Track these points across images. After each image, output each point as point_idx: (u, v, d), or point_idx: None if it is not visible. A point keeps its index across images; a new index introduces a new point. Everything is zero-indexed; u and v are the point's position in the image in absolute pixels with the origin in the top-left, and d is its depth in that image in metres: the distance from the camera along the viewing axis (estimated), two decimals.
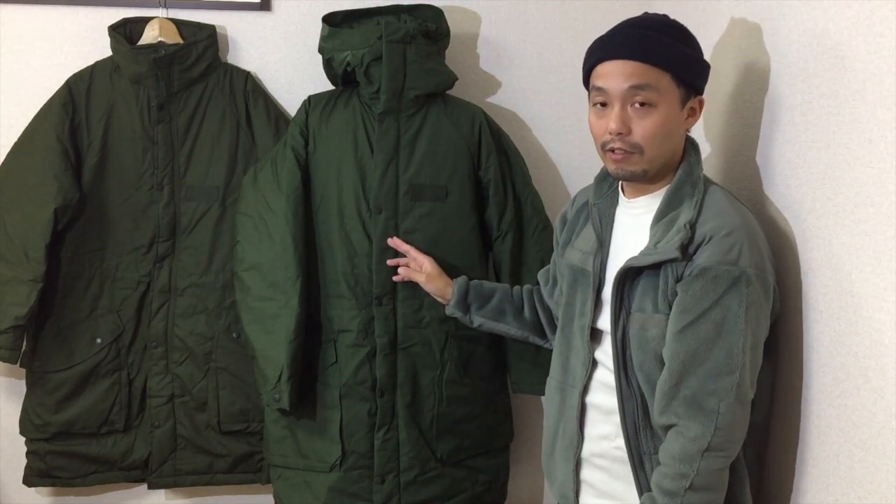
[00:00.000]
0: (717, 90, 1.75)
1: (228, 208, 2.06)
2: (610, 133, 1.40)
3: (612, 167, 1.45)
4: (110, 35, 2.03)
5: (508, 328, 1.86)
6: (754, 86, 1.60)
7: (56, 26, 2.08)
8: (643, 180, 1.45)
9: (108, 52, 2.04)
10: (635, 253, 1.42)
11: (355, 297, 1.93)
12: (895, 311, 1.17)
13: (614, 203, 1.55)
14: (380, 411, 1.93)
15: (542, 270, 1.84)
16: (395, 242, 1.92)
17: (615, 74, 1.39)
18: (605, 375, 1.49)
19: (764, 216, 1.55)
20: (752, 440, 1.43)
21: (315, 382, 1.96)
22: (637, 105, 1.39)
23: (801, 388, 1.43)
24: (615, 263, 1.47)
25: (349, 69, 1.93)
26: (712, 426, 1.32)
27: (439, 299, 1.89)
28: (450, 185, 1.96)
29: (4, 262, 1.96)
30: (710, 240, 1.35)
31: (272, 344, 1.88)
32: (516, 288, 1.89)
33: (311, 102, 2.01)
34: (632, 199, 1.50)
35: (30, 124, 2.01)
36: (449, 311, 1.87)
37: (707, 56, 1.51)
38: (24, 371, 2.07)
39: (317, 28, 2.01)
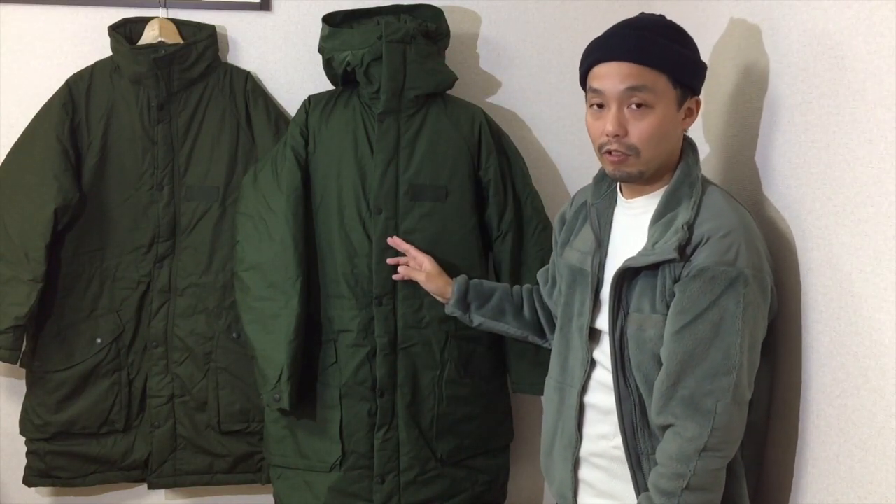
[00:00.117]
0: (716, 90, 1.75)
1: (228, 208, 2.06)
2: (607, 135, 1.40)
3: (609, 169, 1.45)
4: (110, 35, 2.03)
5: (508, 327, 1.86)
6: (754, 86, 1.60)
7: (56, 26, 2.08)
8: (640, 181, 1.45)
9: (108, 52, 2.04)
10: (633, 253, 1.42)
11: (355, 297, 1.93)
12: (895, 311, 1.17)
13: (613, 203, 1.55)
14: (380, 411, 1.93)
15: (542, 270, 1.84)
16: (394, 242, 1.92)
17: (611, 76, 1.39)
18: (603, 375, 1.49)
19: (764, 216, 1.54)
20: (750, 440, 1.43)
21: (315, 382, 1.96)
22: (634, 106, 1.39)
23: (800, 388, 1.43)
24: (613, 263, 1.47)
25: (349, 69, 1.93)
26: (709, 426, 1.32)
27: (439, 298, 1.89)
28: (450, 185, 1.96)
29: (4, 262, 1.96)
30: (707, 240, 1.35)
31: (272, 344, 1.88)
32: (516, 287, 1.89)
33: (311, 102, 2.01)
34: (630, 200, 1.50)
35: (30, 124, 2.01)
36: (448, 310, 1.87)
37: (707, 56, 1.51)
38: (24, 371, 2.07)
39: (317, 28, 2.01)
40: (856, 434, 1.27)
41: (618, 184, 1.54)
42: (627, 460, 1.43)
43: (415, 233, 1.93)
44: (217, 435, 2.08)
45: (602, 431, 1.49)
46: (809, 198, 1.40)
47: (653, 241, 1.40)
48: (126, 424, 2.07)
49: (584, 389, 1.51)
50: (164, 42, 2.02)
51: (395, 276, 1.92)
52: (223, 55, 2.13)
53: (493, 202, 2.00)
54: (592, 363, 1.51)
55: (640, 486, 1.42)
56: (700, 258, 1.34)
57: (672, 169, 1.45)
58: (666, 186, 1.44)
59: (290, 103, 2.14)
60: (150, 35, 2.03)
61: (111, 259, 2.05)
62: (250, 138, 2.08)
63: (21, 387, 2.09)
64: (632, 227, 1.49)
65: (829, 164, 1.34)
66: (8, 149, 2.03)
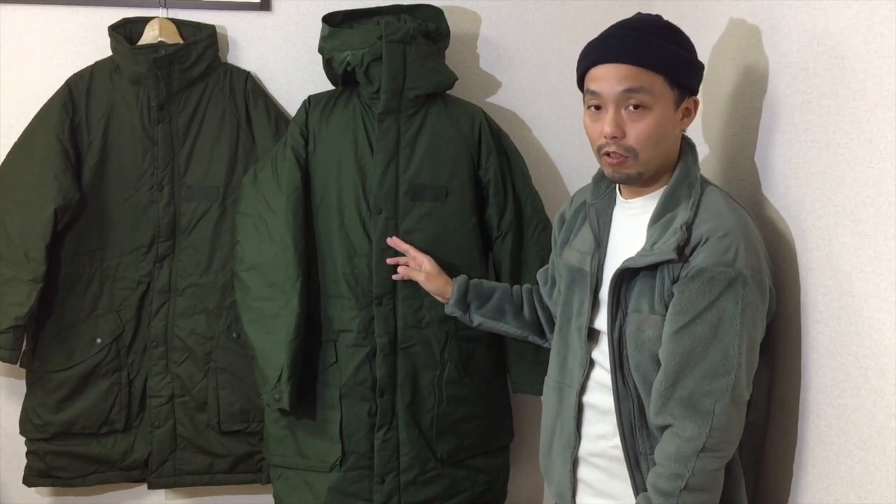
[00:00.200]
0: (716, 91, 1.75)
1: (228, 208, 2.06)
2: (604, 137, 1.40)
3: (608, 171, 1.45)
4: (110, 35, 2.03)
5: (508, 327, 1.86)
6: (754, 86, 1.60)
7: (56, 26, 2.09)
8: (639, 183, 1.45)
9: (108, 52, 2.04)
10: (633, 253, 1.42)
11: (355, 297, 1.93)
12: (895, 311, 1.17)
13: (612, 203, 1.55)
14: (380, 411, 1.93)
15: (541, 270, 1.84)
16: (394, 242, 1.92)
17: (608, 78, 1.39)
18: (602, 376, 1.49)
19: (763, 216, 1.54)
20: (749, 440, 1.43)
21: (315, 382, 1.96)
22: (631, 108, 1.38)
23: (800, 389, 1.42)
24: (612, 264, 1.47)
25: (349, 69, 1.93)
26: (708, 427, 1.32)
27: (439, 298, 1.89)
28: (450, 185, 1.96)
29: (4, 262, 1.96)
30: (706, 241, 1.34)
31: (272, 344, 1.88)
32: (516, 287, 1.89)
33: (311, 102, 2.01)
34: (629, 200, 1.50)
35: (30, 124, 2.01)
36: (448, 309, 1.87)
37: (706, 57, 1.51)
38: (24, 371, 2.07)
39: (317, 28, 2.01)
40: (856, 434, 1.27)
41: (616, 184, 1.54)
42: (626, 460, 1.43)
43: (415, 233, 1.93)
44: (217, 435, 2.08)
45: (601, 431, 1.49)
46: (809, 198, 1.39)
47: (651, 242, 1.40)
48: (126, 424, 2.07)
49: (582, 389, 1.51)
50: (164, 42, 2.02)
51: (394, 277, 1.92)
52: (223, 55, 2.13)
53: (493, 202, 2.00)
54: (591, 363, 1.51)
55: (638, 486, 1.42)
56: (699, 259, 1.34)
57: (671, 169, 1.45)
58: (665, 187, 1.44)
59: (290, 103, 2.14)
60: (150, 35, 2.03)
61: (111, 259, 2.05)
62: (250, 138, 2.08)
63: (21, 387, 2.09)
64: (631, 228, 1.49)
65: (829, 164, 1.34)
66: (8, 149, 2.03)
